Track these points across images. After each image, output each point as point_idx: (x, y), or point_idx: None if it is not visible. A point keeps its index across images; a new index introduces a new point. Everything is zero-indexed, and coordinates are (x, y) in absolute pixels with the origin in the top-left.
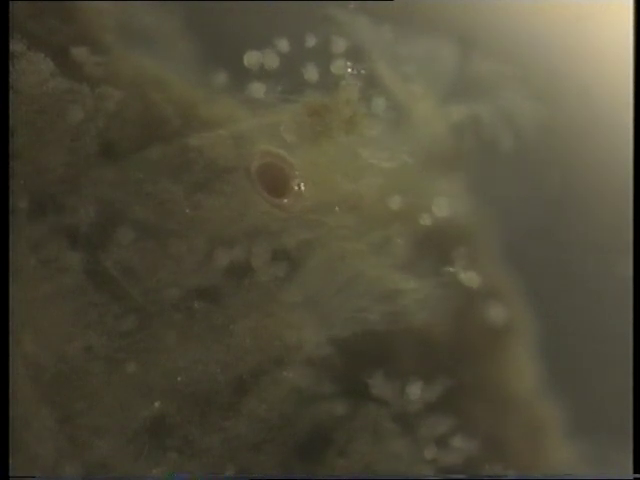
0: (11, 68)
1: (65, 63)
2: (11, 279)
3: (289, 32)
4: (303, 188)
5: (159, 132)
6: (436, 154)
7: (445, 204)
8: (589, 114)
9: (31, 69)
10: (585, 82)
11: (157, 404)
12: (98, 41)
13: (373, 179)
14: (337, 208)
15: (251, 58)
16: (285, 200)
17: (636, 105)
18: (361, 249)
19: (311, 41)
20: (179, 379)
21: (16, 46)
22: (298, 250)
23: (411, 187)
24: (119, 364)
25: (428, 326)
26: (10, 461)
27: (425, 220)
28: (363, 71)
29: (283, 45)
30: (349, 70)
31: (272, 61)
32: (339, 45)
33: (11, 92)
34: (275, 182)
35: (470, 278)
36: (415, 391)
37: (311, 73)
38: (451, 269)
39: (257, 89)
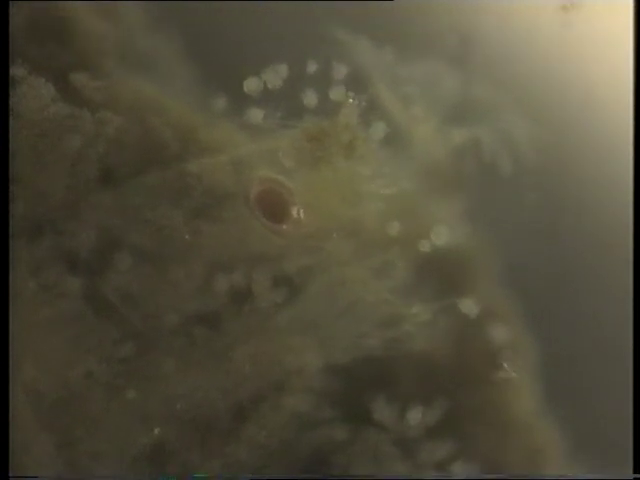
0: (12, 92)
1: (66, 88)
2: (11, 303)
3: (289, 57)
4: (302, 215)
5: (158, 157)
6: (436, 178)
7: (445, 231)
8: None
9: (32, 94)
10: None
11: (157, 430)
12: (98, 66)
13: (373, 204)
14: (335, 235)
15: (251, 84)
16: (284, 226)
17: (636, 116)
18: (361, 274)
19: (312, 67)
20: (178, 406)
21: (17, 71)
22: (298, 276)
23: (411, 211)
24: (119, 390)
25: (429, 350)
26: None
27: (424, 246)
28: (364, 100)
29: (282, 70)
30: (349, 97)
31: (271, 86)
32: (339, 70)
33: (12, 116)
34: (274, 208)
35: (470, 302)
36: (416, 415)
37: (310, 98)
38: (451, 293)
39: (256, 114)
